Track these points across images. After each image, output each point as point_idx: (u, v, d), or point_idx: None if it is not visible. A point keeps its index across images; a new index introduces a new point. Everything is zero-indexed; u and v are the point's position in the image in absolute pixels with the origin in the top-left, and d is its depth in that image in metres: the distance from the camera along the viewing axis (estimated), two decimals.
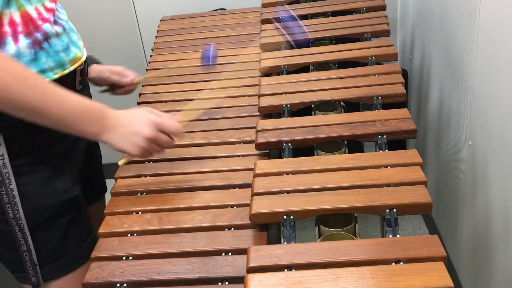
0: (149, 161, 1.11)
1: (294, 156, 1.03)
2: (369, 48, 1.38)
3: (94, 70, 1.24)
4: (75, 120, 0.88)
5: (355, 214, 0.91)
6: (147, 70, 1.55)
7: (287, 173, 0.95)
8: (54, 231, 1.00)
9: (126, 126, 0.92)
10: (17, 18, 0.90)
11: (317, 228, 0.91)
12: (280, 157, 1.07)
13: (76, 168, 1.05)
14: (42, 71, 0.94)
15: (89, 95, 1.13)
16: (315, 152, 1.09)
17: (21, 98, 0.82)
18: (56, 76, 0.97)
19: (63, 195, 1.00)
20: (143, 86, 1.45)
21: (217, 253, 0.86)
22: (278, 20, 1.26)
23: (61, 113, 0.86)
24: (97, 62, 1.26)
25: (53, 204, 0.99)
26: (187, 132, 1.20)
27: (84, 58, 1.06)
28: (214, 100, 1.15)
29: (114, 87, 1.29)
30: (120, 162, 1.03)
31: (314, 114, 1.21)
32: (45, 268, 1.00)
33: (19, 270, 1.00)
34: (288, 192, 0.90)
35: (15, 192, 0.94)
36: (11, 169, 0.93)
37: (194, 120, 1.14)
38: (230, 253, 0.86)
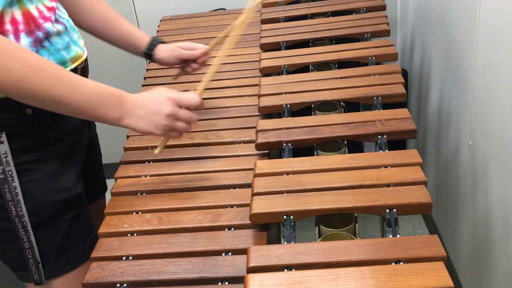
0: (149, 161, 1.11)
1: (294, 156, 1.03)
2: (369, 48, 1.38)
3: (163, 49, 1.22)
4: (94, 107, 0.88)
5: (355, 214, 0.91)
6: (147, 70, 1.55)
7: (287, 173, 0.95)
8: (57, 228, 1.00)
9: (145, 107, 0.92)
10: (19, 17, 0.90)
11: (317, 228, 0.91)
12: (280, 157, 1.07)
13: (78, 166, 1.05)
14: None
15: None
16: (315, 152, 1.09)
17: (39, 88, 0.83)
18: None
19: (66, 193, 1.00)
20: (143, 86, 1.45)
21: (217, 253, 0.86)
22: None
23: (80, 100, 0.86)
24: (163, 42, 1.23)
25: (56, 202, 0.99)
26: (187, 132, 1.19)
27: (85, 57, 1.06)
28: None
29: (185, 66, 1.25)
30: (156, 151, 1.01)
31: (314, 114, 1.21)
32: (47, 265, 1.01)
33: (22, 268, 1.01)
34: (288, 192, 0.90)
35: (18, 190, 0.94)
36: (14, 167, 0.93)
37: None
38: (230, 253, 0.86)
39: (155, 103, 0.92)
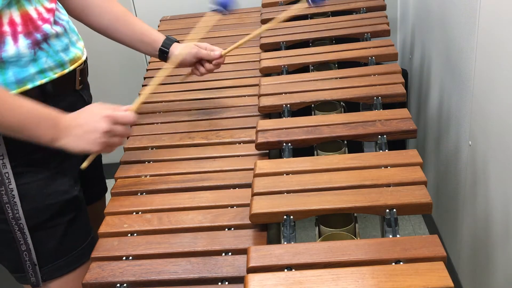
0: (149, 161, 1.11)
1: (294, 156, 1.03)
2: (369, 48, 1.38)
3: (180, 47, 1.20)
4: (30, 128, 0.88)
5: (355, 214, 0.91)
6: (147, 70, 1.55)
7: (287, 173, 0.95)
8: (54, 231, 1.00)
9: (81, 126, 0.92)
10: (17, 18, 0.90)
11: (317, 228, 0.91)
12: (280, 157, 1.07)
13: (76, 169, 1.05)
14: (42, 71, 0.95)
15: (89, 95, 1.13)
16: (315, 152, 1.09)
17: None
18: (56, 75, 0.97)
19: (63, 195, 1.00)
20: (143, 86, 1.45)
21: (217, 253, 0.86)
22: None
23: (15, 120, 0.86)
24: (177, 41, 1.22)
25: (53, 204, 0.99)
26: (187, 132, 1.20)
27: (84, 58, 1.06)
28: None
29: (198, 66, 1.24)
30: (83, 165, 1.00)
31: (314, 114, 1.21)
32: (45, 268, 1.00)
33: (19, 270, 1.00)
34: (288, 192, 0.90)
35: (15, 192, 0.94)
36: (10, 169, 0.93)
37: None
38: (230, 253, 0.86)
39: (92, 122, 0.92)
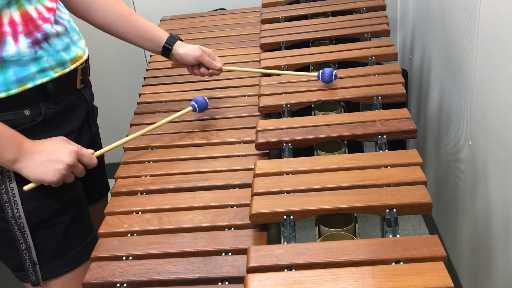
0: (149, 161, 1.11)
1: (294, 156, 1.03)
2: (369, 48, 1.38)
3: (184, 45, 1.21)
4: None
5: (355, 214, 0.91)
6: (147, 70, 1.55)
7: (287, 173, 0.95)
8: (55, 230, 1.00)
9: (45, 153, 0.92)
10: (17, 18, 0.90)
11: (317, 228, 0.91)
12: (280, 157, 1.07)
13: None
14: (43, 70, 0.95)
15: (91, 94, 1.13)
16: (315, 152, 1.09)
17: None
18: (57, 74, 0.97)
19: (64, 194, 1.00)
20: (143, 86, 1.45)
21: (217, 253, 0.86)
22: None
23: None
24: (180, 39, 1.23)
25: (54, 203, 0.99)
26: (187, 132, 1.20)
27: (85, 57, 1.06)
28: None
29: (193, 68, 1.25)
30: (26, 187, 0.95)
31: (314, 114, 1.21)
32: (45, 267, 1.01)
33: (19, 269, 1.01)
34: (288, 192, 0.90)
35: (15, 191, 0.94)
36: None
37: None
38: (230, 253, 0.86)
39: (58, 152, 0.92)
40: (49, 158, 0.91)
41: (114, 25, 1.17)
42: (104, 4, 1.15)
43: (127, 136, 1.13)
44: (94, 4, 1.14)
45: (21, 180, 0.94)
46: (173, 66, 1.30)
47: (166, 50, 1.20)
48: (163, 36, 1.20)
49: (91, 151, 1.00)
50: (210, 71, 1.24)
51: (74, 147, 0.95)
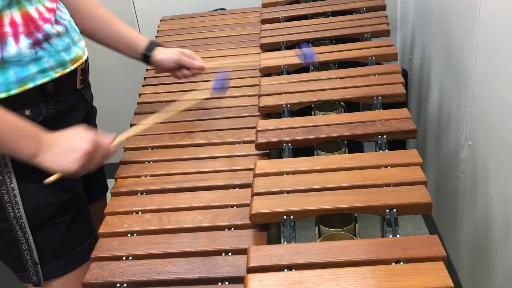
0: (149, 161, 1.11)
1: (294, 156, 1.03)
2: (369, 48, 1.38)
3: (163, 51, 1.22)
4: (13, 140, 0.87)
5: (355, 214, 0.91)
6: (147, 70, 1.55)
7: (287, 173, 0.95)
8: (55, 230, 1.00)
9: (63, 144, 0.91)
10: (18, 19, 0.90)
11: (317, 228, 0.91)
12: (280, 157, 1.07)
13: None
14: (43, 70, 0.95)
15: (90, 95, 1.13)
16: (315, 152, 1.09)
17: None
18: (57, 75, 0.97)
19: (65, 194, 1.00)
20: (143, 86, 1.45)
21: (217, 253, 0.86)
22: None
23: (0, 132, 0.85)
24: (160, 45, 1.24)
25: (54, 203, 0.99)
26: (187, 132, 1.20)
27: (85, 58, 1.06)
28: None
29: (177, 71, 1.26)
30: (47, 180, 0.95)
31: (314, 114, 1.21)
32: (46, 267, 1.01)
33: (20, 269, 1.01)
34: (288, 192, 0.90)
35: (16, 191, 0.94)
36: (12, 168, 0.93)
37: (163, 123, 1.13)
38: (230, 253, 0.86)
39: (75, 141, 0.91)
40: (68, 148, 0.91)
41: (94, 32, 1.17)
42: (85, 10, 1.15)
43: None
44: (76, 10, 1.13)
45: (22, 180, 0.94)
46: (156, 73, 1.30)
47: (146, 57, 1.21)
48: (143, 42, 1.21)
49: (111, 137, 0.99)
50: (193, 71, 1.25)
51: (93, 135, 0.94)
